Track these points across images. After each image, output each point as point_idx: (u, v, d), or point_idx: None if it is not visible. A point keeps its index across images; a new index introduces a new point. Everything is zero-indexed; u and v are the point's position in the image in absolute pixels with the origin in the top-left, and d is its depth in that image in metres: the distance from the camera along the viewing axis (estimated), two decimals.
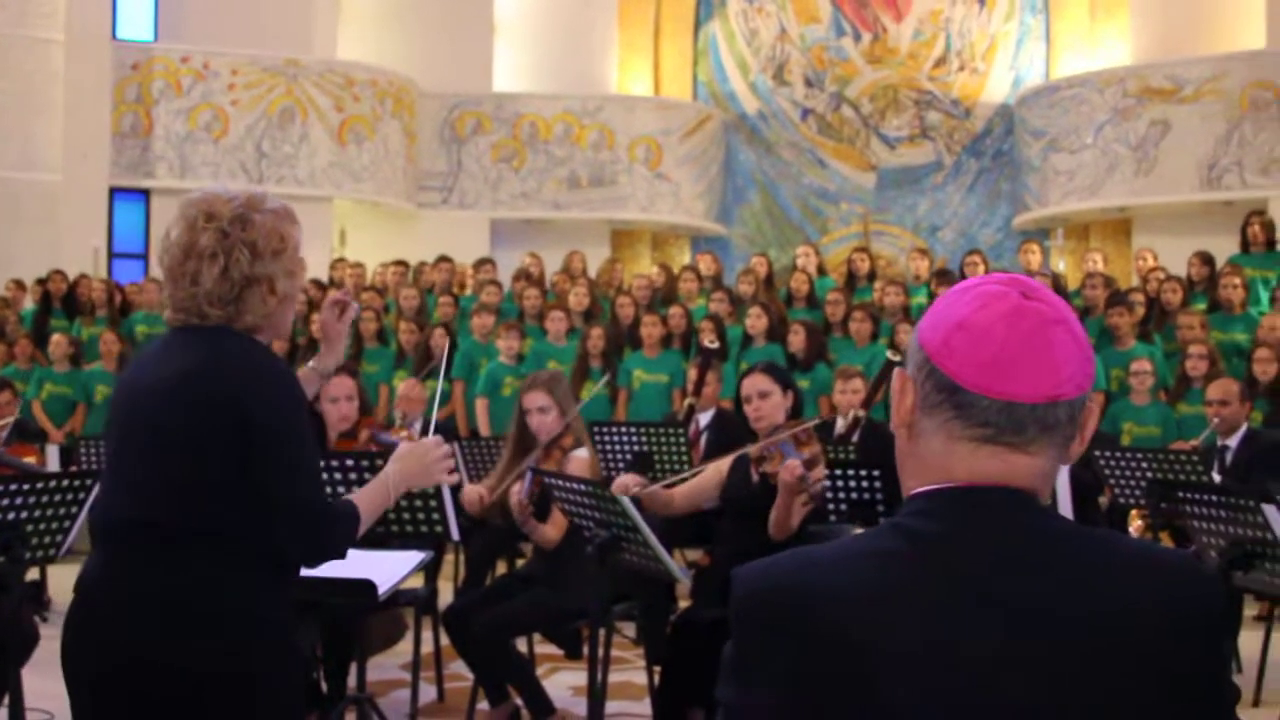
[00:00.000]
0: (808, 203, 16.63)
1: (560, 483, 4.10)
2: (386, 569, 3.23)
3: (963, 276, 10.19)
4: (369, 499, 2.53)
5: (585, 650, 4.98)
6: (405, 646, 5.63)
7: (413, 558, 3.36)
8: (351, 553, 2.47)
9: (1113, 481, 5.98)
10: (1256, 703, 5.85)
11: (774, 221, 16.65)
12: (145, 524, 2.35)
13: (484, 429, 8.73)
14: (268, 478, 2.33)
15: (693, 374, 7.69)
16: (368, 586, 3.12)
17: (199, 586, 2.32)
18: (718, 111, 16.41)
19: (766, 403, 4.67)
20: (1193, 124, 13.64)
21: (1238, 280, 8.83)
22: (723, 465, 4.86)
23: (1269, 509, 3.83)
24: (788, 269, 11.70)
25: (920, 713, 1.30)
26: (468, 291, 11.37)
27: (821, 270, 11.41)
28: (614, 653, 6.49)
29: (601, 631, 4.01)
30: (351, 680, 4.62)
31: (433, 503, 4.34)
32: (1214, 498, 4.05)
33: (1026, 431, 1.38)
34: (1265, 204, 12.81)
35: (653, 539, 3.72)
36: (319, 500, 2.41)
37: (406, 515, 4.44)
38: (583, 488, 3.97)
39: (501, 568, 6.98)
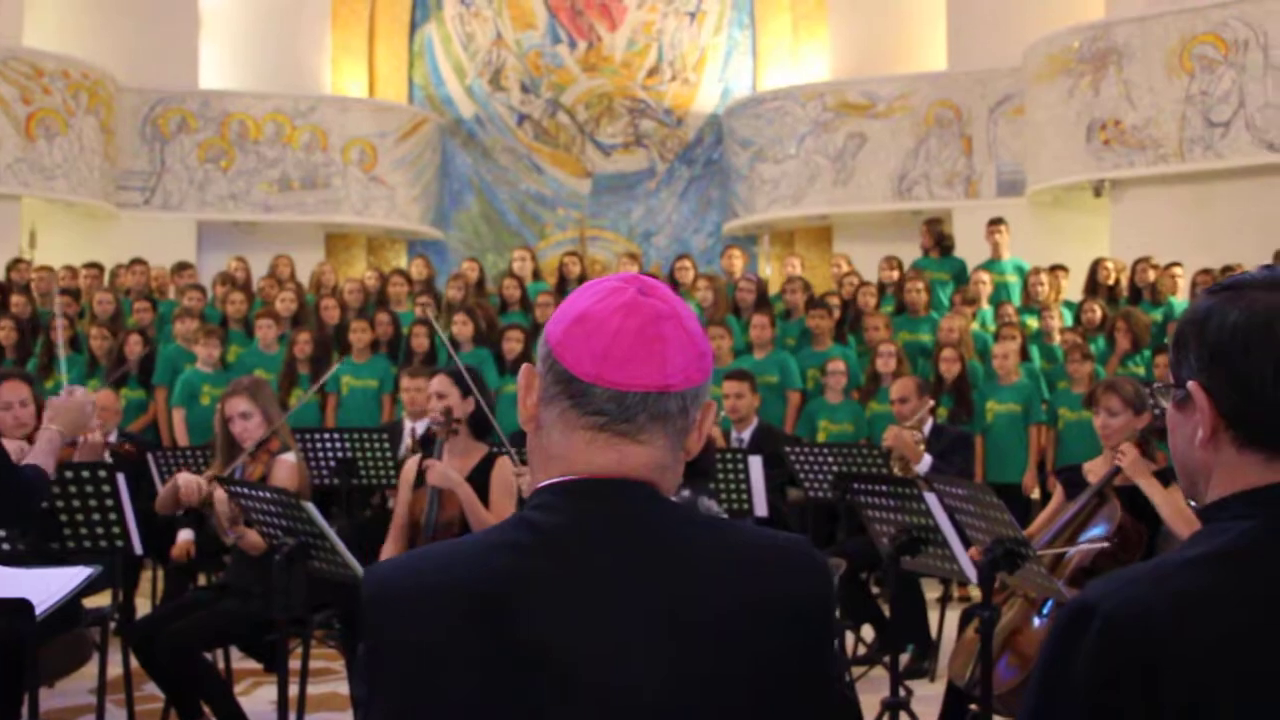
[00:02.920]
0: (525, 208, 16.72)
1: (246, 490, 4.00)
2: (47, 587, 3.06)
3: (673, 281, 10.48)
4: (45, 456, 2.50)
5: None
6: (93, 669, 5.36)
7: (78, 574, 3.19)
8: (11, 570, 2.35)
9: (803, 476, 6.28)
10: (933, 678, 6.25)
11: (491, 226, 16.67)
12: None
13: (181, 439, 8.41)
14: None
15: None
16: (23, 606, 2.95)
17: None
18: (434, 115, 16.30)
19: (442, 404, 4.72)
20: (885, 138, 14.44)
21: (920, 284, 9.42)
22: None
23: (930, 497, 4.11)
24: (506, 274, 11.73)
25: (531, 707, 1.34)
26: (170, 296, 10.91)
27: (537, 274, 11.49)
28: (322, 664, 6.37)
29: (299, 642, 3.92)
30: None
31: (113, 515, 4.15)
32: (883, 488, 4.31)
33: (637, 420, 1.43)
34: (950, 214, 13.72)
35: (340, 545, 3.67)
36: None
37: (84, 530, 4.23)
38: (268, 495, 3.88)
39: (204, 580, 6.73)
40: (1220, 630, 1.31)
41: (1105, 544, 4.25)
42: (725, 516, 4.03)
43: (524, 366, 1.53)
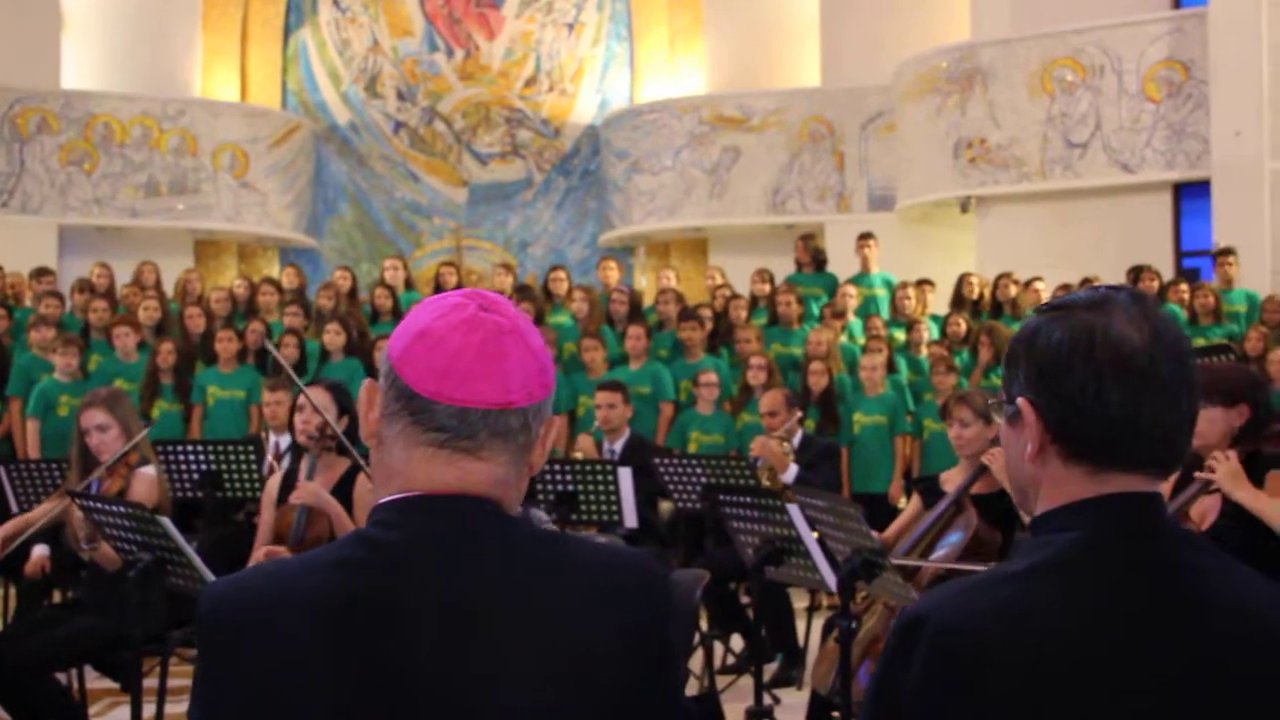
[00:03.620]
0: (400, 216, 16.56)
1: (100, 505, 3.89)
2: None
3: (547, 292, 10.47)
4: None
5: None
6: None
7: None
8: None
9: (672, 487, 6.32)
10: (800, 686, 6.34)
11: (366, 234, 16.47)
12: None
13: (34, 450, 8.15)
14: None
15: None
16: None
17: None
18: (307, 121, 16.06)
19: (317, 420, 4.62)
20: (760, 152, 14.64)
21: (792, 297, 9.56)
22: None
23: (792, 509, 4.17)
24: (378, 283, 11.61)
25: None
26: (27, 303, 10.56)
27: (409, 284, 11.39)
28: (182, 682, 6.22)
29: (158, 660, 3.83)
30: None
31: None
32: (748, 499, 4.37)
33: (478, 436, 1.44)
34: (822, 228, 13.94)
35: (197, 561, 3.60)
36: None
37: None
38: (123, 510, 3.78)
39: (58, 597, 6.53)
40: (1043, 639, 1.36)
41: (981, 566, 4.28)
42: (555, 529, 4.04)
43: (366, 382, 1.52)
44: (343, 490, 4.62)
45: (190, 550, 3.58)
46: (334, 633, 1.35)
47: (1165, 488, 4.03)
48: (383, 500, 1.46)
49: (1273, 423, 3.86)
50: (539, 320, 9.41)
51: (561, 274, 10.67)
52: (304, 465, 4.71)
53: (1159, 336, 1.44)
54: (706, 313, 9.68)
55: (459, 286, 10.94)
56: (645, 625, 1.44)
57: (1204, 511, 3.80)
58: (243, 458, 6.59)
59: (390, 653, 1.34)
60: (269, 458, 6.96)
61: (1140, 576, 1.41)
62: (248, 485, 6.57)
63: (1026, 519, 1.59)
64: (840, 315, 9.73)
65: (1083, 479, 1.45)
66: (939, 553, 4.55)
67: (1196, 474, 3.79)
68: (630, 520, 6.05)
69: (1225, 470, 3.69)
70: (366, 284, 12.14)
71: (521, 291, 10.05)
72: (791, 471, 6.62)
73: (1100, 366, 1.42)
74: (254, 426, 8.45)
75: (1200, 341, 8.47)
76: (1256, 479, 3.72)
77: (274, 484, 4.82)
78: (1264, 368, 8.55)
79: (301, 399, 4.71)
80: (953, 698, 1.35)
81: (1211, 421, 3.78)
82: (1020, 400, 1.48)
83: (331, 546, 1.45)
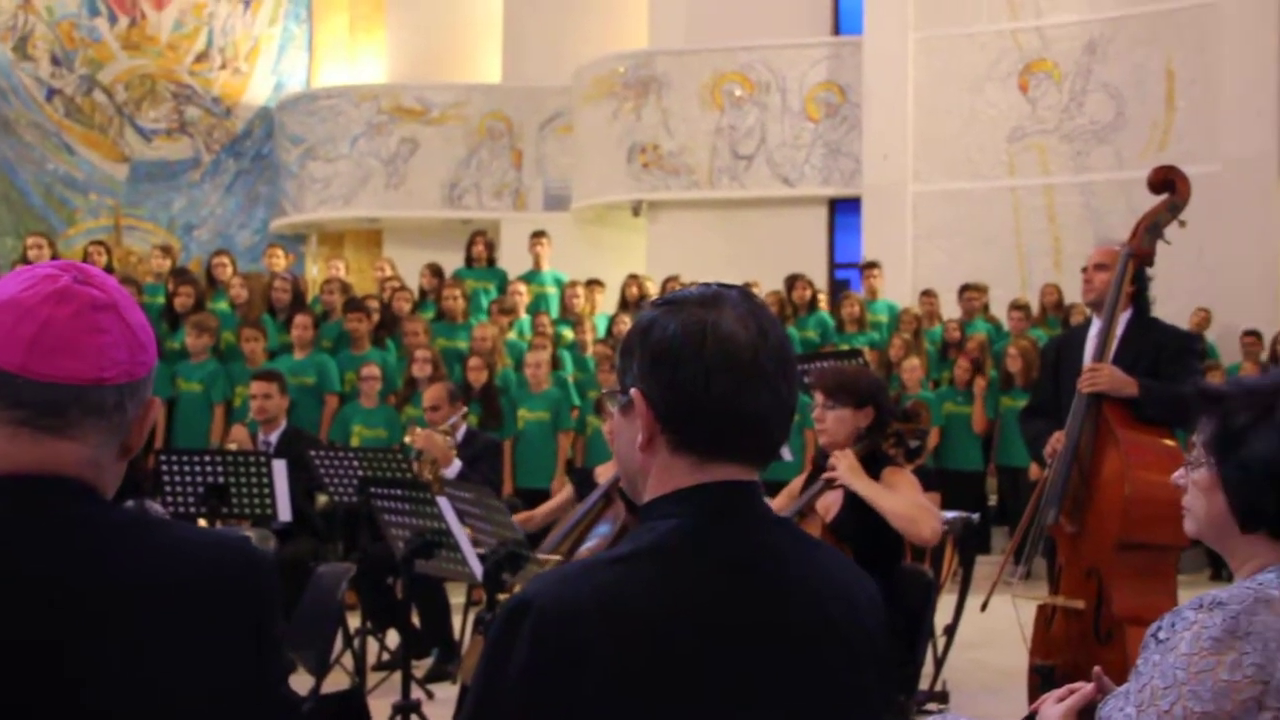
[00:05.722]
0: (52, 190, 15.50)
1: None
2: None
3: (209, 278, 10.04)
4: None
5: None
6: None
7: None
8: None
9: (328, 480, 6.20)
10: (455, 680, 6.34)
11: (12, 208, 15.31)
12: None
13: None
14: None
15: None
16: None
17: None
18: None
19: None
20: (438, 145, 14.57)
21: (458, 292, 9.56)
22: None
23: (441, 500, 4.18)
24: (19, 261, 10.82)
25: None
26: None
27: None
28: None
29: None
30: None
31: None
32: (399, 492, 4.34)
33: (68, 414, 1.37)
34: (498, 225, 14.00)
35: None
36: None
37: None
38: None
39: None
40: (641, 622, 1.42)
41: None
42: (168, 518, 3.91)
43: None
44: None
45: None
46: None
47: (796, 483, 4.32)
48: None
49: (892, 424, 4.17)
50: (199, 306, 9.02)
51: (225, 259, 10.25)
52: None
53: (764, 334, 1.52)
54: (373, 304, 9.55)
55: (110, 269, 10.33)
56: (242, 610, 1.41)
57: (828, 505, 4.05)
58: None
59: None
60: None
61: (732, 558, 1.49)
62: None
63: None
64: (509, 312, 9.80)
65: (688, 468, 1.51)
66: (589, 544, 4.65)
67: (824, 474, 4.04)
68: (284, 514, 5.89)
69: (845, 465, 3.93)
70: (8, 262, 11.30)
71: (180, 275, 9.59)
72: (455, 466, 6.61)
73: (710, 360, 1.48)
74: None
75: (845, 347, 9.04)
76: (874, 475, 3.99)
77: None
78: (900, 374, 9.21)
79: None
80: (555, 680, 1.39)
81: (841, 421, 4.04)
82: (633, 391, 1.52)
83: None
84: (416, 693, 5.38)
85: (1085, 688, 2.00)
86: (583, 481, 4.96)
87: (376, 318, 9.31)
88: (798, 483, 4.34)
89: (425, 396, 7.04)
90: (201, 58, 16.00)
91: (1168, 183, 4.26)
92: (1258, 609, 1.80)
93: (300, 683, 4.11)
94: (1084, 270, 4.49)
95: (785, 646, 1.47)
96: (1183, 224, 4.24)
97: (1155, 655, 1.84)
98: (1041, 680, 3.94)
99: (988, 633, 5.30)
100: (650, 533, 1.51)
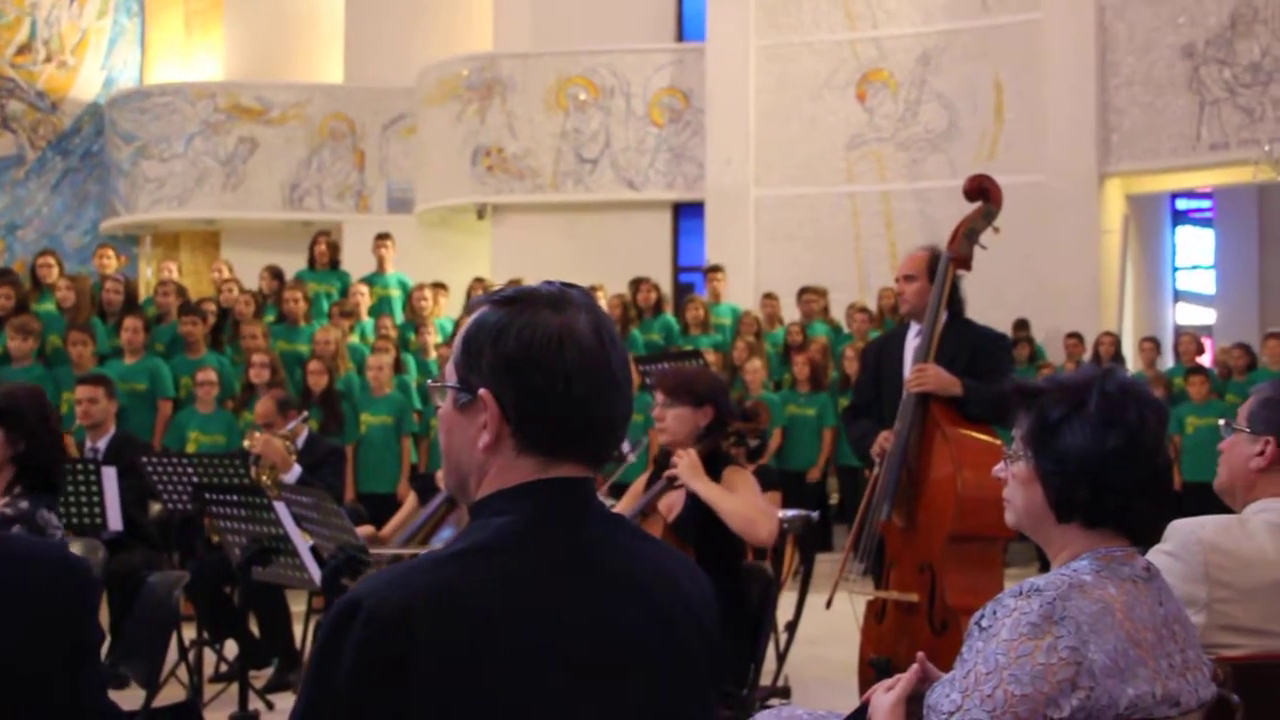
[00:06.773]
0: None
1: None
2: None
3: (34, 279, 9.66)
4: None
5: None
6: None
7: None
8: None
9: (161, 488, 6.03)
10: (295, 690, 6.21)
11: None
12: None
13: None
14: None
15: None
16: None
17: None
18: None
19: None
20: (278, 145, 14.26)
21: (300, 294, 9.37)
22: None
23: (279, 505, 4.10)
24: None
25: None
26: None
27: None
28: None
29: None
30: None
31: None
32: (235, 498, 4.24)
33: None
34: (341, 227, 13.76)
35: None
36: None
37: None
38: None
39: None
40: (473, 619, 1.42)
41: None
42: (60, 530, 3.77)
43: None
44: None
45: None
46: None
47: (639, 483, 4.34)
48: None
49: (733, 423, 4.22)
50: (22, 309, 8.66)
51: (50, 259, 9.85)
52: None
53: (613, 339, 1.54)
54: (210, 307, 9.31)
55: None
56: (58, 618, 1.37)
57: (671, 505, 4.09)
58: None
59: None
60: None
61: (566, 554, 1.50)
62: None
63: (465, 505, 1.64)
64: (350, 314, 9.65)
65: (534, 468, 1.52)
66: (432, 548, 4.62)
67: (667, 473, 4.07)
68: (115, 523, 5.71)
69: (685, 464, 3.94)
70: None
71: (1, 276, 9.19)
72: (295, 472, 6.47)
73: (570, 366, 1.49)
74: None
75: (687, 348, 9.14)
76: (715, 474, 4.03)
77: None
78: (743, 376, 9.34)
79: None
80: (384, 679, 1.38)
81: (681, 420, 4.07)
82: (482, 391, 1.51)
83: None
84: (256, 703, 5.27)
85: (910, 673, 2.07)
86: (425, 487, 4.92)
87: (213, 321, 9.08)
88: (641, 482, 4.36)
89: (255, 409, 6.90)
90: (24, 49, 15.38)
91: (982, 190, 4.42)
92: (1071, 594, 1.89)
93: (132, 698, 3.99)
94: (896, 282, 4.62)
95: (618, 642, 1.49)
96: (997, 230, 4.41)
97: (979, 642, 1.91)
98: (877, 673, 4.04)
99: (828, 629, 5.40)
100: (483, 530, 1.52)
